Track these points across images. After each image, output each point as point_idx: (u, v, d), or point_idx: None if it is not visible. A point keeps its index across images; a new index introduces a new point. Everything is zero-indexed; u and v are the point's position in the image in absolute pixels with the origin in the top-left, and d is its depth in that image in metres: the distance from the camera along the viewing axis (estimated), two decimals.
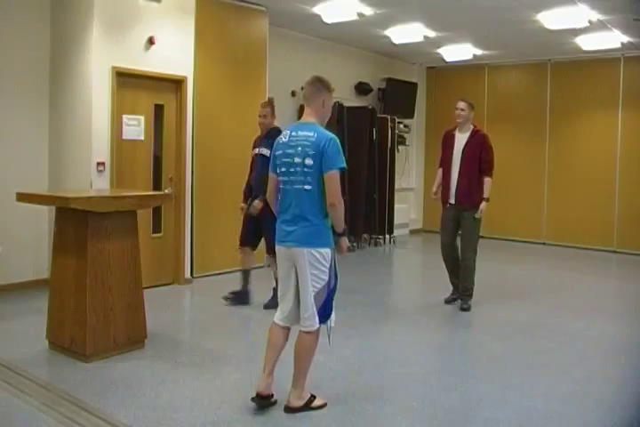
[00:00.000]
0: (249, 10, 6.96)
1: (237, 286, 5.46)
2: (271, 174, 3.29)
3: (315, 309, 3.11)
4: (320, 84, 3.24)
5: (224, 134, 6.78)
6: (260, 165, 5.08)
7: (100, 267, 3.92)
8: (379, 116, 9.18)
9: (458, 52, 9.28)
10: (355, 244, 8.79)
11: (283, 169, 3.16)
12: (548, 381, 3.82)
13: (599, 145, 9.32)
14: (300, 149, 3.09)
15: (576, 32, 7.72)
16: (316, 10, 7.09)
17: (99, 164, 5.55)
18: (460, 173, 5.35)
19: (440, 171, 5.60)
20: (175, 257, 6.30)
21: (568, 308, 5.79)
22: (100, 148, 5.58)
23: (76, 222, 3.95)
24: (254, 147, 5.41)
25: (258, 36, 7.12)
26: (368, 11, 7.06)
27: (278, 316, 3.27)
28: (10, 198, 4.37)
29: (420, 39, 8.28)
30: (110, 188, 5.58)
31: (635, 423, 3.32)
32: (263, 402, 3.23)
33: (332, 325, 3.23)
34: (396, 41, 8.39)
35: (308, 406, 3.24)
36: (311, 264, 3.08)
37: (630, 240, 8.95)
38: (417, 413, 3.31)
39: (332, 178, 3.05)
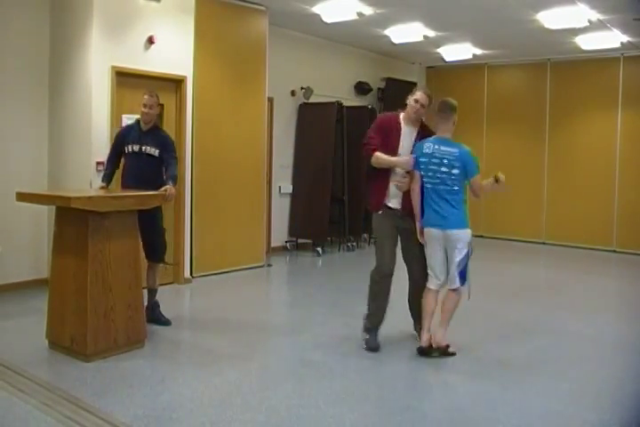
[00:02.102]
0: (249, 9, 6.97)
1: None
2: (418, 173, 4.18)
3: (457, 271, 4.13)
4: (449, 111, 4.20)
5: (224, 134, 6.79)
6: (146, 164, 4.64)
7: (100, 266, 3.93)
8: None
9: (457, 51, 9.28)
10: (354, 243, 8.81)
11: (430, 173, 4.12)
12: (548, 380, 3.82)
13: (599, 144, 9.32)
14: (446, 161, 4.07)
15: (576, 32, 7.73)
16: (316, 9, 7.09)
17: (98, 163, 5.54)
18: (407, 171, 4.30)
19: (379, 154, 4.32)
20: (175, 257, 6.30)
21: (568, 307, 5.79)
22: (100, 147, 5.57)
23: (76, 222, 3.95)
24: (129, 142, 4.72)
25: (257, 35, 7.12)
26: (368, 10, 7.07)
27: (434, 282, 4.23)
28: (10, 198, 4.38)
29: (420, 39, 8.28)
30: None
31: (634, 423, 3.32)
32: (428, 353, 4.17)
33: (470, 284, 4.19)
34: (396, 40, 8.39)
35: (445, 353, 4.17)
36: (459, 241, 4.10)
37: (630, 240, 8.95)
38: (415, 412, 3.31)
39: (476, 181, 4.16)
